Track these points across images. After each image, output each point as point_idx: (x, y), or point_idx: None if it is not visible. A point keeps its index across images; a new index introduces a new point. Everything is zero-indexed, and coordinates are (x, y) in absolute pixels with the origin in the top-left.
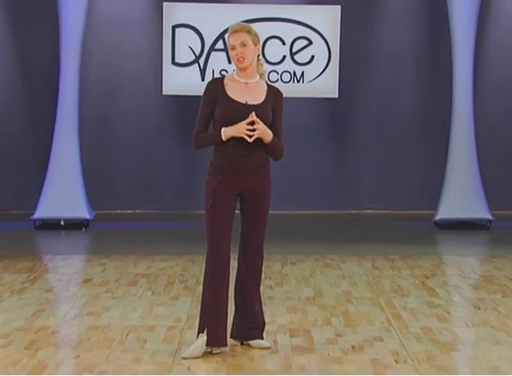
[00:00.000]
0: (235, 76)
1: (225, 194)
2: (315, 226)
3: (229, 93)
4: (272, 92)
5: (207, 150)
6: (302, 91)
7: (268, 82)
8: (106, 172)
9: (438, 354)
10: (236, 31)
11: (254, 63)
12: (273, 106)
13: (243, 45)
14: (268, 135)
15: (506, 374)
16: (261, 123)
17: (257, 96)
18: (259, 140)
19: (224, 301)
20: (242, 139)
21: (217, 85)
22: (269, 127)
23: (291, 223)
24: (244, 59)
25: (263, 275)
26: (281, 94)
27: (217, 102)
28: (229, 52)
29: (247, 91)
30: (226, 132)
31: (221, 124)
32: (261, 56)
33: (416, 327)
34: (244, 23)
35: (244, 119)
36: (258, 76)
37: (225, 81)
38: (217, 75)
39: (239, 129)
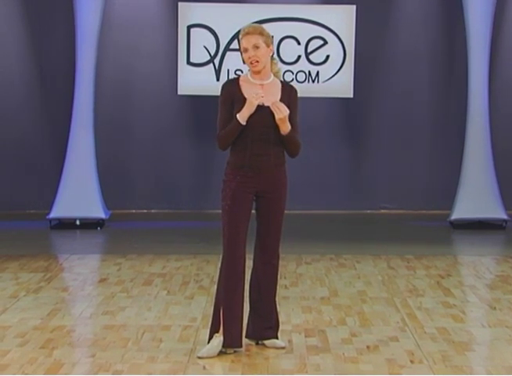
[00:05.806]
0: (249, 77)
1: (243, 195)
2: (330, 226)
3: (246, 95)
4: (286, 89)
5: None
6: (317, 91)
7: (283, 80)
8: (121, 172)
9: (454, 354)
10: (248, 33)
11: (267, 65)
12: (288, 103)
13: (256, 47)
14: (287, 125)
15: None
16: (284, 108)
17: (273, 97)
18: (277, 138)
19: (240, 303)
20: (260, 138)
21: (232, 87)
22: None
23: (306, 223)
24: (258, 62)
25: (278, 274)
26: (295, 90)
27: (234, 104)
28: (242, 54)
29: (263, 92)
30: (242, 115)
31: None
32: (275, 55)
33: (432, 327)
34: (256, 25)
35: (262, 120)
36: (272, 75)
37: (240, 82)
38: (232, 75)
39: (251, 101)
